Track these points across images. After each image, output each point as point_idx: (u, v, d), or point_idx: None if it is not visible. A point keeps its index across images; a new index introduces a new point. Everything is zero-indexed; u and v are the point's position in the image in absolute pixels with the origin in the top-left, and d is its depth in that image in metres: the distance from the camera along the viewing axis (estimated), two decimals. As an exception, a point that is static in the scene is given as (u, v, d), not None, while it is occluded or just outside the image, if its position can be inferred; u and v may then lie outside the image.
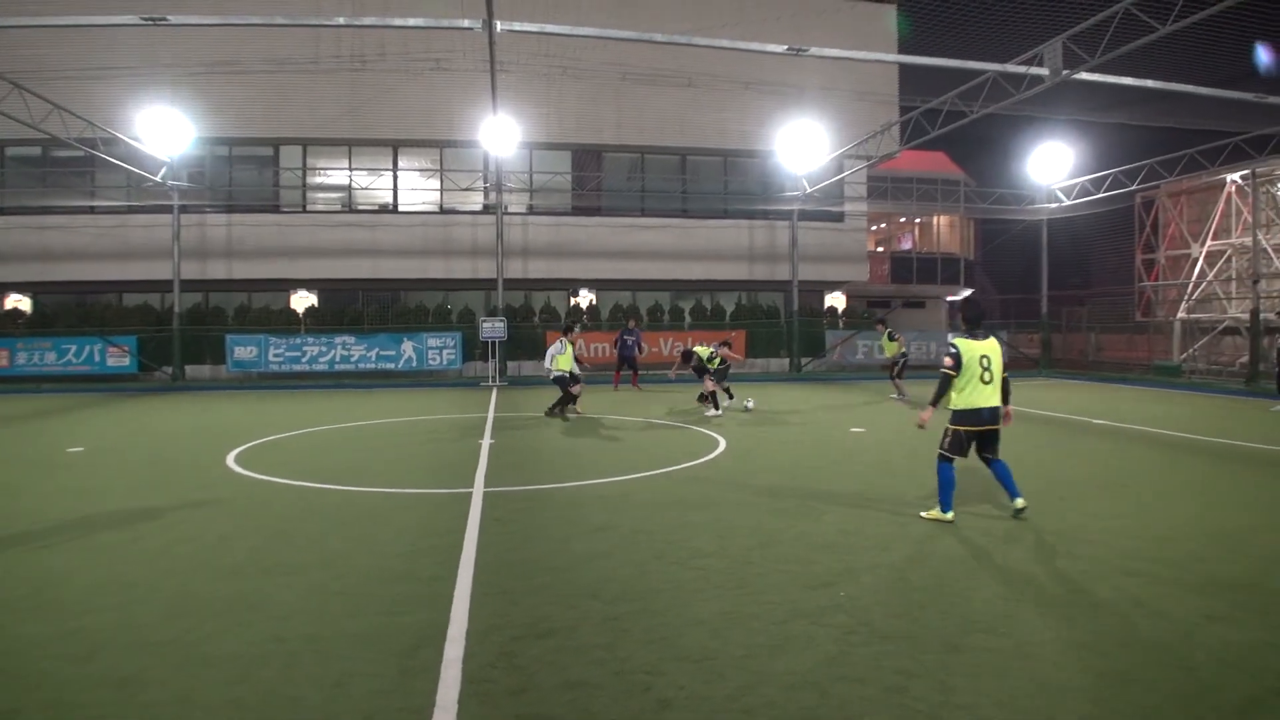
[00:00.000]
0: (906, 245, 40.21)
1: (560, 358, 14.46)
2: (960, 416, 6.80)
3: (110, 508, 7.61)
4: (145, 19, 14.85)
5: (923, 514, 7.00)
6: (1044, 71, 15.49)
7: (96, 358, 23.88)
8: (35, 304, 26.40)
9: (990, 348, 6.86)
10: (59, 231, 25.81)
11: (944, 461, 6.87)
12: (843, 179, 26.44)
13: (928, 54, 19.93)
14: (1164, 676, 3.87)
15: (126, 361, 23.88)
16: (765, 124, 26.10)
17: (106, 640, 4.39)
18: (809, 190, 26.12)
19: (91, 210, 26.16)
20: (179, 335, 24.43)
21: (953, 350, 6.82)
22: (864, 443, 11.71)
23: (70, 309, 25.87)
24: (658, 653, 4.13)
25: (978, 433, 6.84)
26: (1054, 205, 28.26)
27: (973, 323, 7.00)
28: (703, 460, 9.99)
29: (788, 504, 7.55)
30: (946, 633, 4.42)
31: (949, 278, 37.17)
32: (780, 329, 27.18)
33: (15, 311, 26.01)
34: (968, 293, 38.56)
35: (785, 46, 17.47)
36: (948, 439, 6.87)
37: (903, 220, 39.83)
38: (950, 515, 6.84)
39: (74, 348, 23.85)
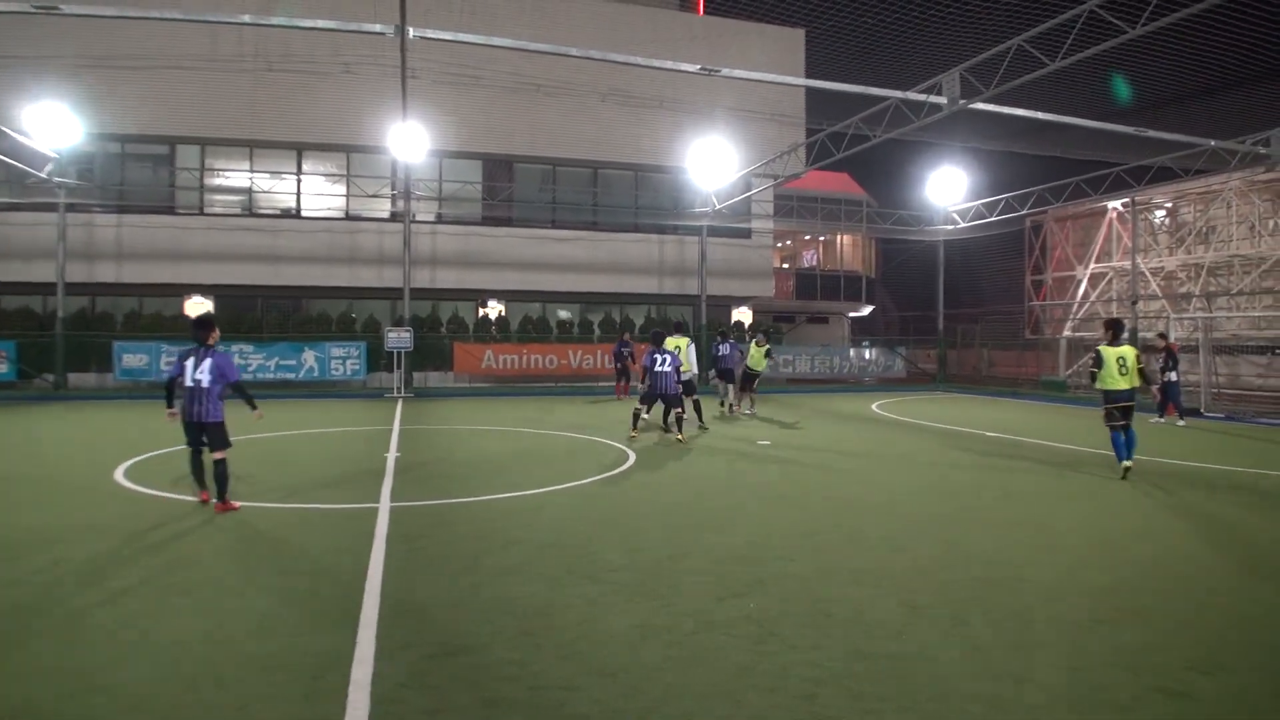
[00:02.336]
0: (811, 262, 41.24)
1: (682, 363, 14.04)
2: (1107, 397, 9.97)
3: (-13, 523, 7.16)
4: (36, 7, 14.15)
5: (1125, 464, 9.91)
6: (943, 100, 16.17)
7: (-32, 364, 22.40)
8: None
9: (1126, 351, 10.06)
10: (-71, 228, 24.16)
11: (1113, 431, 10.03)
12: (750, 196, 27.01)
13: (834, 79, 20.60)
14: (1055, 678, 4.08)
15: (4, 368, 22.50)
16: (677, 140, 26.45)
17: (-10, 666, 4.13)
18: (718, 206, 26.57)
19: (-34, 206, 24.57)
20: (63, 341, 23.17)
21: (1095, 354, 10.12)
22: (769, 454, 11.94)
23: (-60, 311, 24.24)
24: (572, 668, 4.14)
25: (1120, 407, 9.92)
26: (950, 227, 29.45)
27: (1116, 335, 10.20)
28: (613, 473, 10.03)
29: (697, 516, 7.66)
30: (852, 640, 4.55)
31: (851, 294, 38.24)
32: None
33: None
34: (869, 309, 39.81)
35: (699, 66, 17.80)
36: (1105, 414, 10.06)
37: (807, 238, 40.85)
38: (1127, 463, 9.91)
39: (-57, 354, 22.31)
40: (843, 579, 5.71)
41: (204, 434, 7.90)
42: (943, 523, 7.55)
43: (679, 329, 17.24)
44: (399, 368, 23.12)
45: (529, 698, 3.80)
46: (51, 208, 23.47)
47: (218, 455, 7.86)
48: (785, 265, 40.47)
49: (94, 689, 3.92)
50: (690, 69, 17.74)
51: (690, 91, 26.75)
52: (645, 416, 13.56)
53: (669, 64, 18.47)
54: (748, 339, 19.87)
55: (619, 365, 22.54)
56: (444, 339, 25.59)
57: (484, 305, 27.50)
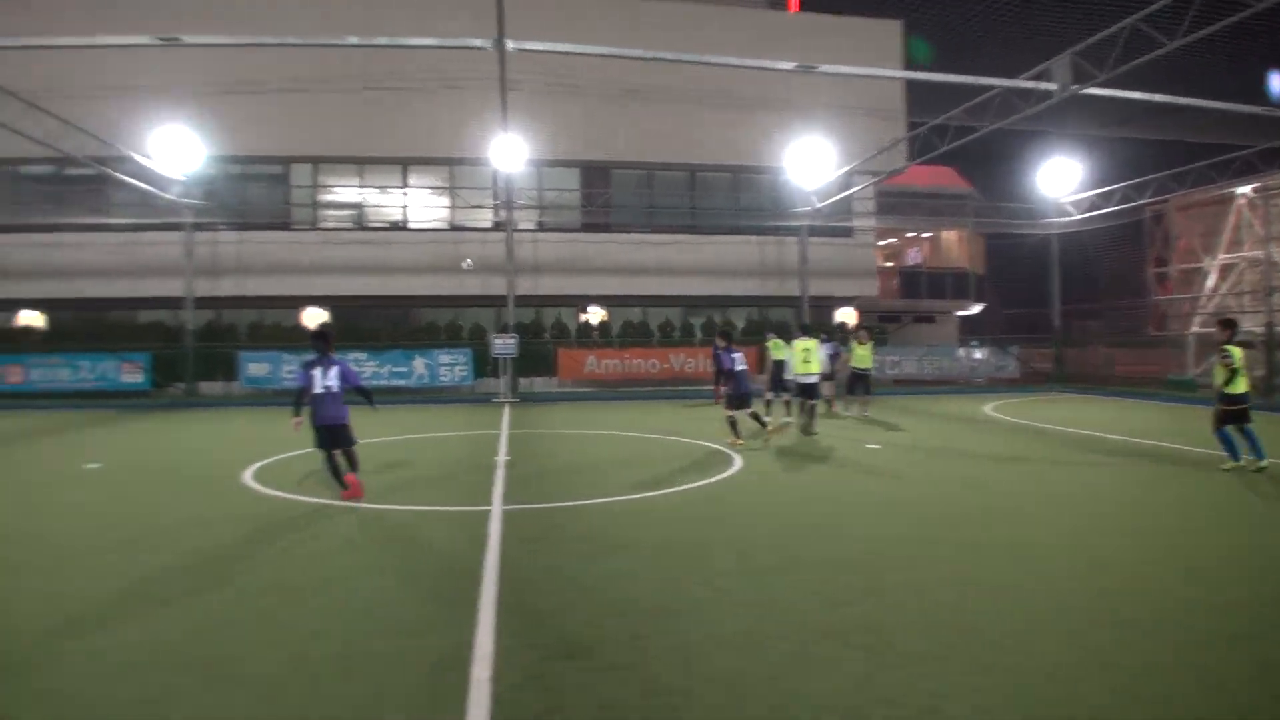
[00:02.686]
0: (915, 260, 40.20)
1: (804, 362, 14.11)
2: (1231, 399, 9.77)
3: (128, 524, 7.62)
4: (159, 40, 14.96)
5: (1223, 467, 9.88)
6: (1052, 86, 15.54)
7: (110, 375, 23.97)
8: (49, 321, 26.49)
9: (1240, 351, 10.00)
10: (72, 249, 25.95)
11: (1220, 430, 10.00)
12: (851, 195, 26.48)
13: (936, 70, 20.03)
14: (1194, 699, 3.84)
15: (141, 378, 23.97)
16: (775, 140, 26.18)
17: (135, 658, 4.39)
18: (818, 206, 26.17)
19: (104, 228, 26.27)
20: (192, 351, 24.53)
21: (1225, 353, 9.91)
22: (881, 460, 11.67)
23: (85, 325, 26.03)
24: (686, 673, 4.11)
25: (1239, 410, 9.78)
26: (1063, 219, 28.26)
27: (1235, 333, 10.09)
28: (720, 478, 9.97)
29: (806, 522, 7.55)
30: (974, 653, 4.39)
31: (958, 292, 37.08)
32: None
33: (28, 329, 26.12)
34: (978, 307, 38.52)
35: (794, 64, 17.57)
36: (1222, 417, 9.92)
37: (911, 235, 39.83)
38: (1236, 464, 9.88)
39: (87, 364, 23.94)
40: (961, 589, 5.51)
41: (334, 435, 8.60)
42: (1069, 532, 7.22)
43: (805, 331, 17.00)
44: (505, 373, 23.58)
45: (643, 702, 3.80)
46: (179, 227, 24.95)
47: (349, 449, 8.79)
48: (889, 264, 39.59)
49: (227, 679, 4.12)
50: (785, 67, 17.53)
51: (787, 90, 26.44)
52: (766, 419, 13.77)
53: (764, 63, 18.30)
54: (850, 339, 19.34)
55: (718, 368, 22.22)
56: (547, 344, 25.99)
57: (585, 310, 27.80)
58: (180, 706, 3.82)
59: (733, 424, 13.14)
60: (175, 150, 22.14)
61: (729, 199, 28.34)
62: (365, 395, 9.30)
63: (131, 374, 23.96)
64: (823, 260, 27.92)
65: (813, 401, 14.31)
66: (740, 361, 13.08)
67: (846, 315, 29.86)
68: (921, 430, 15.32)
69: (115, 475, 10.71)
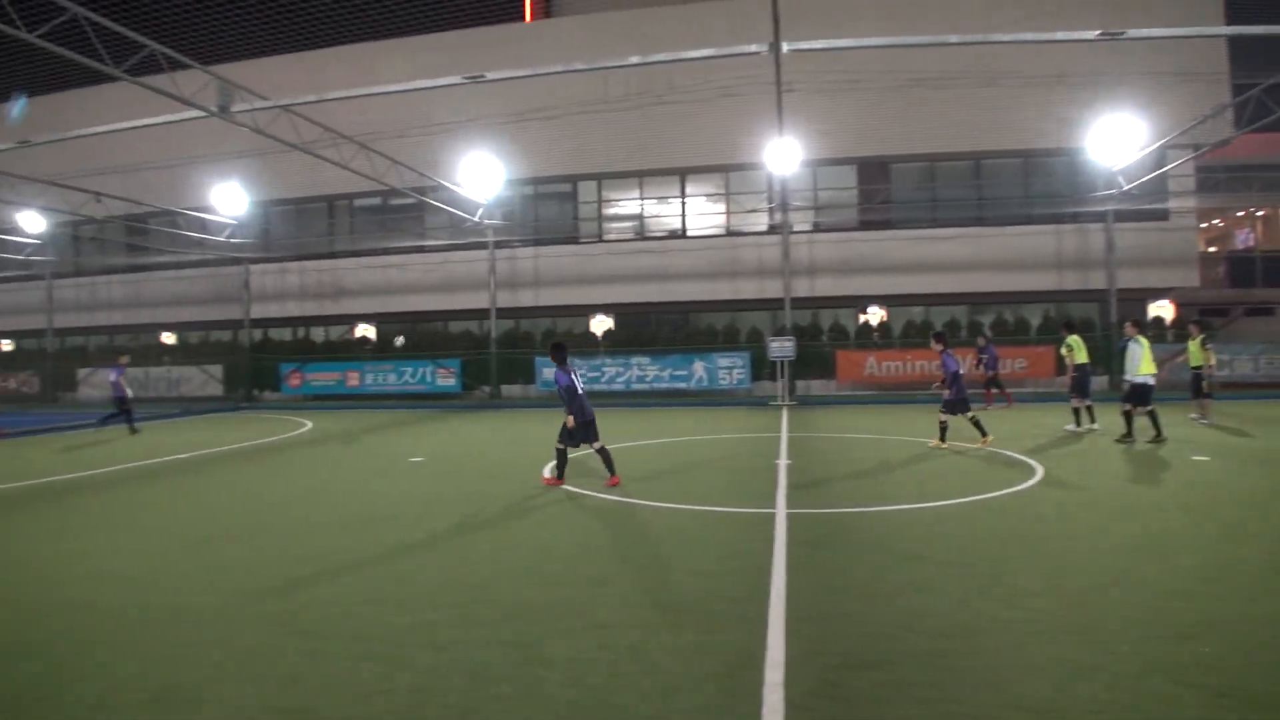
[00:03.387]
0: (1246, 243, 35.19)
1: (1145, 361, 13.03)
2: None
3: (448, 514, 8.47)
4: (466, 78, 16.51)
5: None
6: None
7: (428, 378, 26.91)
8: (378, 332, 30.25)
9: None
10: (396, 269, 29.50)
11: None
12: (1166, 172, 23.65)
13: (1268, 21, 17.36)
14: None
15: (452, 382, 26.70)
16: (1071, 119, 24.02)
17: (457, 635, 4.87)
18: (1125, 187, 23.64)
19: (422, 249, 29.56)
20: (495, 358, 26.88)
21: None
22: (1210, 473, 10.33)
23: (406, 336, 29.48)
24: (992, 698, 3.86)
25: None
26: None
27: None
28: (1020, 487, 9.29)
29: (1125, 541, 6.80)
30: (1349, 703, 3.75)
31: (1304, 279, 31.98)
32: (1096, 344, 24.77)
33: (364, 339, 29.97)
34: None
35: (1098, 32, 15.98)
36: None
37: (1240, 215, 34.91)
38: None
39: (410, 369, 27.05)
40: (1327, 623, 4.74)
41: (590, 428, 9.86)
42: None
43: (1069, 327, 15.44)
44: (782, 376, 23.56)
45: (946, 725, 3.63)
46: (483, 246, 27.55)
47: (599, 444, 9.94)
48: (1213, 249, 34.98)
49: (536, 660, 4.43)
50: (1088, 36, 15.97)
51: (1085, 61, 24.14)
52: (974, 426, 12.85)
53: (1060, 34, 16.80)
54: (1150, 334, 17.08)
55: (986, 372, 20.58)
56: (825, 347, 25.64)
57: (864, 311, 27.09)
58: (497, 682, 4.17)
59: (944, 429, 12.91)
60: (479, 177, 24.32)
61: (1019, 186, 26.36)
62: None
63: (445, 378, 26.73)
64: (1132, 248, 25.19)
65: (1148, 408, 12.91)
66: (959, 364, 12.97)
67: (1162, 309, 26.74)
68: (1265, 440, 13.36)
69: (435, 468, 11.96)
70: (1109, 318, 24.70)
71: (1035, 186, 26.13)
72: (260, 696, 4.07)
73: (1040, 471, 10.34)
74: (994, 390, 20.46)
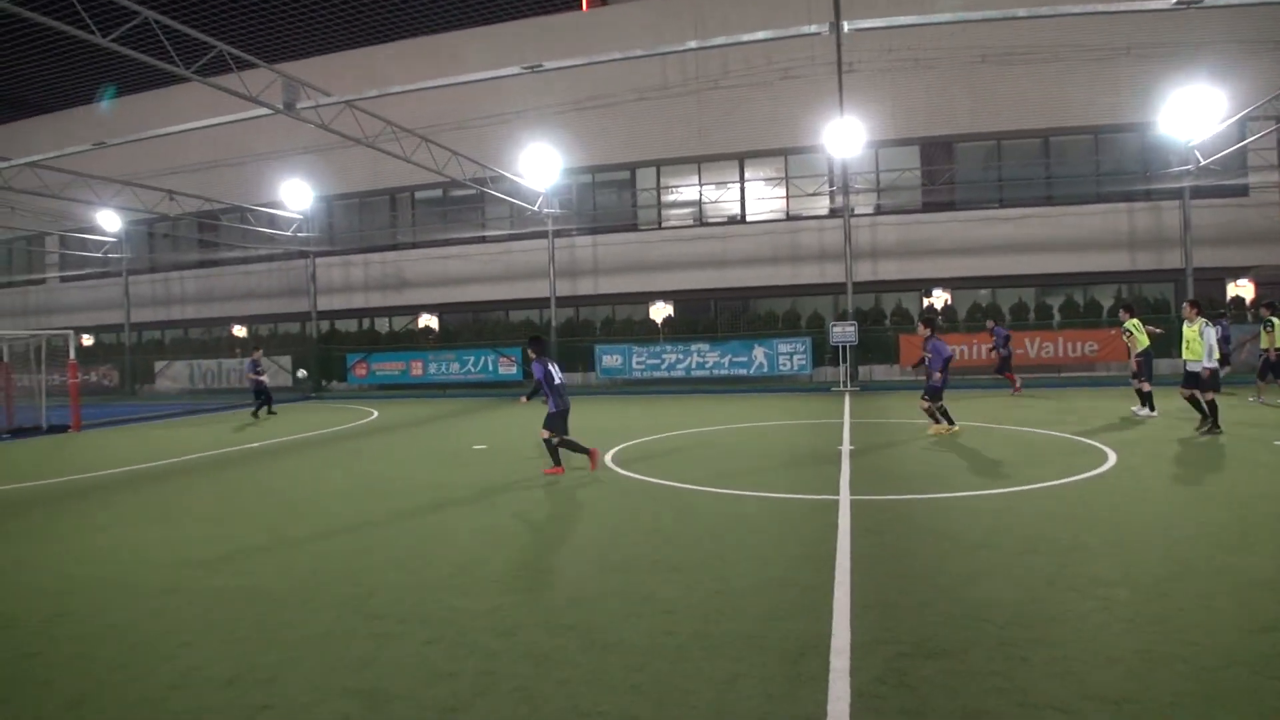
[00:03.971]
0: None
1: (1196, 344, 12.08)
2: None
3: (512, 500, 8.60)
4: (524, 68, 16.59)
5: None
6: None
7: (490, 367, 27.21)
8: (441, 322, 30.69)
9: None
10: (458, 260, 29.90)
11: None
12: (1246, 145, 22.70)
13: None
14: None
15: (514, 370, 26.94)
16: (1144, 92, 23.20)
17: (523, 620, 4.94)
18: (1203, 163, 22.74)
19: (482, 240, 29.91)
20: (556, 346, 27.05)
21: None
22: (1295, 456, 9.92)
23: (468, 325, 29.84)
24: (1066, 689, 3.77)
25: None
26: None
27: None
28: (1092, 474, 9.04)
29: (1201, 530, 6.56)
30: None
31: (1399, 253, 30.43)
32: (1172, 325, 23.95)
33: (427, 329, 30.43)
34: None
35: (1174, 1, 15.39)
36: None
37: (1330, 188, 33.36)
38: None
39: (472, 358, 27.40)
40: None
41: (564, 419, 10.31)
42: None
43: (1129, 310, 14.82)
44: (844, 362, 23.29)
45: (1018, 714, 3.54)
46: (542, 235, 27.79)
47: (560, 438, 10.25)
48: (1298, 224, 33.49)
49: (601, 645, 4.47)
50: (1163, 4, 15.37)
51: (1160, 31, 23.27)
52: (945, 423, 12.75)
53: (1135, 5, 16.19)
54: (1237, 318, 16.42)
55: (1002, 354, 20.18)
56: (888, 331, 25.24)
57: (928, 295, 26.59)
58: (562, 667, 4.22)
59: (935, 414, 12.90)
60: (539, 166, 24.45)
61: (1089, 163, 25.54)
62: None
63: (507, 367, 26.98)
64: (1209, 226, 24.24)
65: (1205, 395, 11.83)
66: (950, 350, 12.96)
67: (1243, 289, 25.72)
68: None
69: (498, 456, 12.13)
70: (1185, 298, 23.81)
71: (1106, 164, 25.29)
72: (333, 679, 4.18)
73: (1113, 457, 10.04)
74: (1010, 374, 20.05)
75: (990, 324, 20.92)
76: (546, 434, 10.18)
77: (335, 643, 4.69)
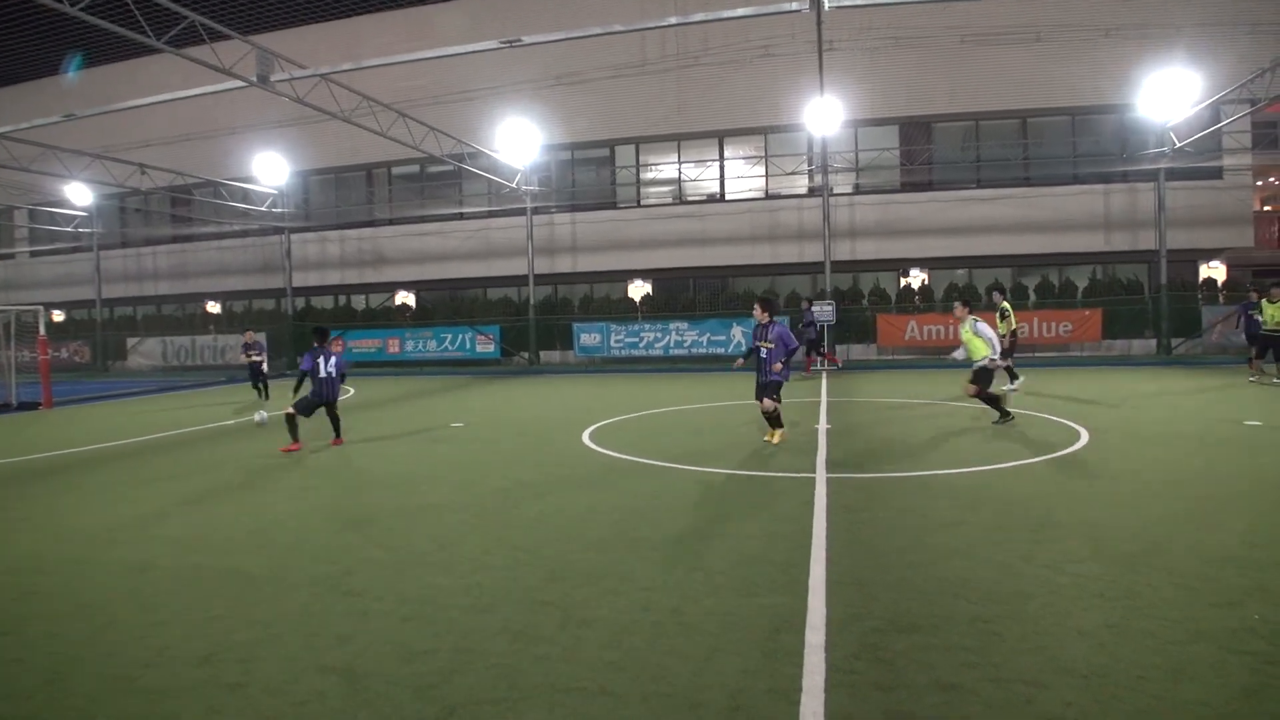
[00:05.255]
0: (1306, 201, 34.03)
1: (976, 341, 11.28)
2: None
3: (490, 478, 8.58)
4: (503, 42, 16.41)
5: None
6: None
7: (467, 345, 27.13)
8: (418, 299, 30.48)
9: None
10: (435, 237, 29.65)
11: None
12: (1220, 129, 22.92)
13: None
14: None
15: (491, 348, 26.87)
16: (1122, 73, 23.30)
17: (500, 596, 4.95)
18: (1178, 145, 22.95)
19: (460, 217, 29.67)
20: (534, 324, 26.98)
21: None
22: (1264, 438, 10.08)
23: (445, 303, 29.64)
24: (1036, 662, 3.83)
25: None
26: None
27: None
28: (1063, 453, 9.16)
29: (1172, 508, 6.67)
30: (1407, 671, 3.67)
31: (1366, 237, 30.88)
32: (1145, 306, 24.24)
33: (404, 306, 30.22)
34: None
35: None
36: None
37: (1300, 171, 33.76)
38: None
39: (450, 336, 27.29)
40: (1385, 591, 4.63)
41: (330, 409, 11.33)
42: None
43: (1001, 292, 15.46)
44: (822, 341, 23.37)
45: (991, 689, 3.60)
46: (520, 212, 27.59)
47: (296, 413, 10.88)
48: (1268, 208, 33.89)
49: (578, 622, 4.46)
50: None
51: (1139, 12, 23.36)
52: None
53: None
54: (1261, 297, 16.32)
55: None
56: (865, 311, 25.36)
57: (906, 275, 26.72)
58: (539, 643, 4.24)
59: (769, 416, 10.46)
60: (517, 143, 24.25)
61: (1066, 145, 25.68)
62: (340, 382, 11.54)
63: (484, 344, 26.90)
64: (1184, 208, 24.50)
65: (971, 389, 11.09)
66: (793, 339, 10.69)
67: (1215, 271, 26.04)
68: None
69: (476, 433, 12.11)
70: (1159, 279, 24.10)
71: (1083, 145, 25.45)
72: (310, 656, 4.17)
73: (1085, 436, 10.18)
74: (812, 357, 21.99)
75: (805, 305, 22.47)
76: (291, 411, 10.89)
77: (312, 620, 4.68)
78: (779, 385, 10.27)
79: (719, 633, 4.30)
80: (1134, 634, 4.13)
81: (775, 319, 10.60)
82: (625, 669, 3.90)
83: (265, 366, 18.99)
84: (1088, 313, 23.42)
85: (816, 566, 5.30)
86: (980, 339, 11.18)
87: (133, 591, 5.31)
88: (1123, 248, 25.17)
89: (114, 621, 4.77)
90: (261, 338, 19.81)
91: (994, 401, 11.26)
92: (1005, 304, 15.50)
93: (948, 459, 8.95)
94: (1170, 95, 21.02)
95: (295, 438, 10.87)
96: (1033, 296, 25.17)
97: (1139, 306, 24.22)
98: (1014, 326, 15.45)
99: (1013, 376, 15.12)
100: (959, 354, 11.69)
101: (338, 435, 11.47)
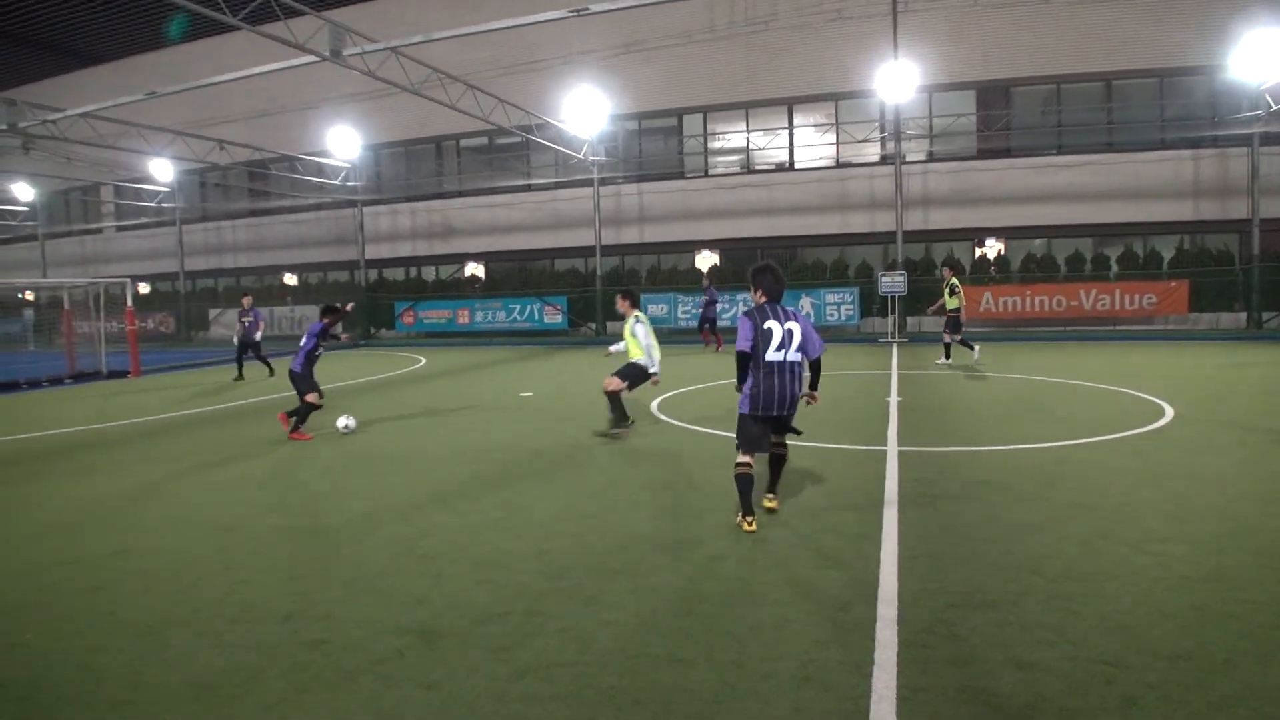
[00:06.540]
0: None
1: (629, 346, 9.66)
2: None
3: (558, 447, 8.66)
4: (570, 11, 16.35)
5: None
6: None
7: (535, 315, 27.38)
8: (487, 271, 30.83)
9: None
10: (503, 208, 29.91)
11: None
12: (1324, 88, 21.66)
13: None
14: None
15: (559, 319, 27.06)
16: (1213, 33, 22.12)
17: (570, 562, 5.01)
18: (1273, 108, 21.78)
19: (528, 188, 29.84)
20: (601, 295, 27.05)
21: None
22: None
23: (514, 274, 29.93)
24: (1118, 643, 3.72)
25: None
26: None
27: None
28: (1147, 429, 8.84)
29: (1257, 487, 6.41)
30: None
31: None
32: (1235, 277, 23.16)
33: (474, 278, 30.61)
34: None
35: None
36: None
37: None
38: None
39: (518, 307, 27.58)
40: None
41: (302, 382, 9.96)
42: None
43: (952, 269, 15.26)
44: (893, 312, 22.97)
45: (1069, 668, 3.51)
46: (588, 183, 27.58)
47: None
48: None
49: (648, 589, 4.45)
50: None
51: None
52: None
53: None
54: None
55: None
56: (938, 282, 24.75)
57: (981, 244, 26.00)
58: (609, 609, 4.26)
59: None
60: (584, 113, 24.22)
61: (1153, 108, 24.58)
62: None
63: (552, 315, 27.12)
64: (1279, 174, 23.29)
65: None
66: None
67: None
68: None
69: (544, 403, 12.23)
70: (1250, 249, 23.01)
71: (1171, 108, 24.32)
72: (387, 616, 4.28)
73: (1170, 412, 9.81)
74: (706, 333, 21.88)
75: (705, 283, 23.10)
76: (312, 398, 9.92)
77: (388, 582, 4.80)
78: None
79: (790, 603, 4.28)
80: (1222, 618, 3.98)
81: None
82: (695, 636, 3.91)
83: (259, 336, 17.44)
84: (1174, 284, 22.49)
85: (888, 540, 5.23)
86: (636, 341, 9.46)
87: (219, 550, 5.51)
88: (1212, 216, 24.05)
89: (202, 579, 4.96)
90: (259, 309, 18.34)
91: (617, 405, 9.41)
92: (955, 279, 15.89)
93: (1023, 433, 8.72)
94: (1265, 55, 19.87)
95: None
96: (1115, 267, 24.27)
97: (1229, 278, 23.15)
98: (962, 304, 15.96)
99: (970, 346, 15.61)
100: (618, 347, 10.07)
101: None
